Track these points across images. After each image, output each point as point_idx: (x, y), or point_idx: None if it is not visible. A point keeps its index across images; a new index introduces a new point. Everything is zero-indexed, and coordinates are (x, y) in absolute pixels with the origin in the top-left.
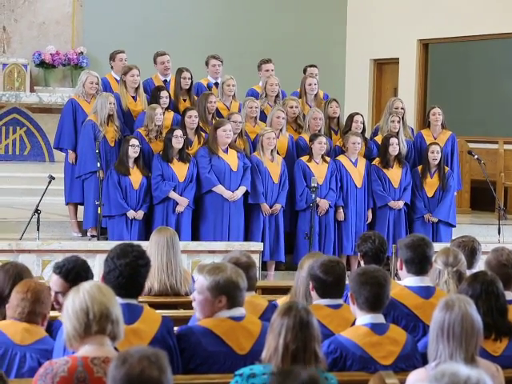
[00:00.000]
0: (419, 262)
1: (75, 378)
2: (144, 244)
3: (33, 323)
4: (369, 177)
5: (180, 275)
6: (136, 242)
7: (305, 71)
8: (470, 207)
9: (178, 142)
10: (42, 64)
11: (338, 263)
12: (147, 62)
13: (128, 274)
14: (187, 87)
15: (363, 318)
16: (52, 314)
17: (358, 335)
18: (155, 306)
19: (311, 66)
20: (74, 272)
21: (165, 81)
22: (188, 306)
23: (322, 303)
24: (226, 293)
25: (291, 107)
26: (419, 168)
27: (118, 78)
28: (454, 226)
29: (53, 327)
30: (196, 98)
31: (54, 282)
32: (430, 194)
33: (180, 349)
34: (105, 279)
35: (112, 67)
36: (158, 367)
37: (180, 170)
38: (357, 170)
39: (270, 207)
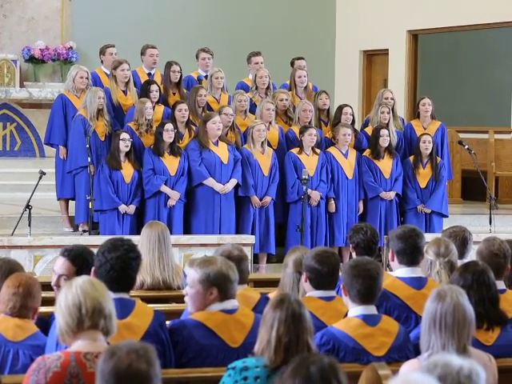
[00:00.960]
0: (411, 253)
1: (68, 373)
2: (135, 238)
3: (24, 318)
4: (360, 168)
5: (172, 270)
6: (126, 236)
7: (292, 64)
8: (461, 197)
9: (168, 136)
10: (31, 59)
11: (333, 254)
12: (137, 55)
13: (119, 267)
14: (176, 80)
15: (355, 310)
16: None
17: (351, 327)
18: (147, 300)
19: (299, 58)
20: (81, 257)
21: (149, 74)
22: (180, 299)
23: (315, 295)
24: (216, 285)
25: (281, 100)
26: (411, 159)
27: (108, 72)
28: (447, 217)
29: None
30: (185, 91)
31: (59, 264)
32: (422, 185)
33: (173, 342)
34: (96, 274)
35: (102, 61)
36: (146, 360)
37: (171, 163)
38: (348, 162)
39: (260, 200)
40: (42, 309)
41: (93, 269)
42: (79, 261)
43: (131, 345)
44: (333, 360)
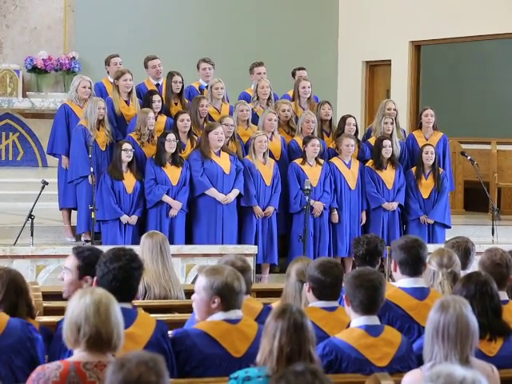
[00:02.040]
0: (413, 264)
1: (67, 383)
2: (138, 248)
3: None
4: (362, 179)
5: (175, 280)
6: (128, 246)
7: (293, 74)
8: (464, 208)
9: (170, 146)
10: (34, 69)
11: (337, 265)
12: (139, 66)
13: (122, 277)
14: (178, 91)
15: (358, 320)
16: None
17: (353, 337)
18: (150, 309)
19: (300, 68)
20: (86, 252)
21: (157, 84)
22: (182, 309)
23: (318, 305)
24: (219, 294)
25: (283, 110)
26: (413, 169)
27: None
28: (450, 227)
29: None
30: (187, 101)
31: (67, 260)
32: (425, 196)
33: (176, 351)
34: (98, 284)
35: (108, 72)
36: (156, 372)
37: (173, 173)
38: (350, 172)
39: (263, 210)
40: (45, 318)
41: (95, 279)
42: (83, 255)
43: (140, 356)
44: (317, 368)
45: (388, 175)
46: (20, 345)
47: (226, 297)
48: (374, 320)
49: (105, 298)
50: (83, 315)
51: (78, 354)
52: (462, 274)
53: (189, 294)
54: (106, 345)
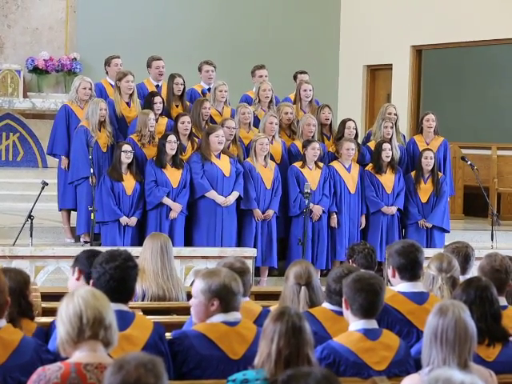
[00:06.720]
0: (411, 269)
1: None
2: (137, 250)
3: None
4: (362, 182)
5: (176, 281)
6: (123, 248)
7: (295, 77)
8: (463, 213)
9: (171, 148)
10: (35, 70)
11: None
12: (140, 67)
13: (119, 276)
14: (179, 93)
15: (356, 324)
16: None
17: (351, 341)
18: (148, 311)
19: (301, 72)
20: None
21: (157, 86)
22: (181, 311)
23: (328, 307)
24: (218, 296)
25: (286, 113)
26: (412, 174)
27: (114, 84)
28: (448, 232)
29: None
30: (188, 103)
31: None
32: (423, 200)
33: (173, 352)
34: (95, 285)
35: (107, 72)
36: (155, 374)
37: (173, 175)
38: (350, 176)
39: (263, 213)
40: (43, 319)
41: (91, 281)
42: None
43: (139, 358)
44: (329, 372)
45: (387, 179)
46: (31, 365)
47: (224, 298)
48: (373, 324)
49: (96, 291)
50: (82, 302)
51: (79, 355)
52: (462, 279)
53: (189, 296)
54: (108, 332)
